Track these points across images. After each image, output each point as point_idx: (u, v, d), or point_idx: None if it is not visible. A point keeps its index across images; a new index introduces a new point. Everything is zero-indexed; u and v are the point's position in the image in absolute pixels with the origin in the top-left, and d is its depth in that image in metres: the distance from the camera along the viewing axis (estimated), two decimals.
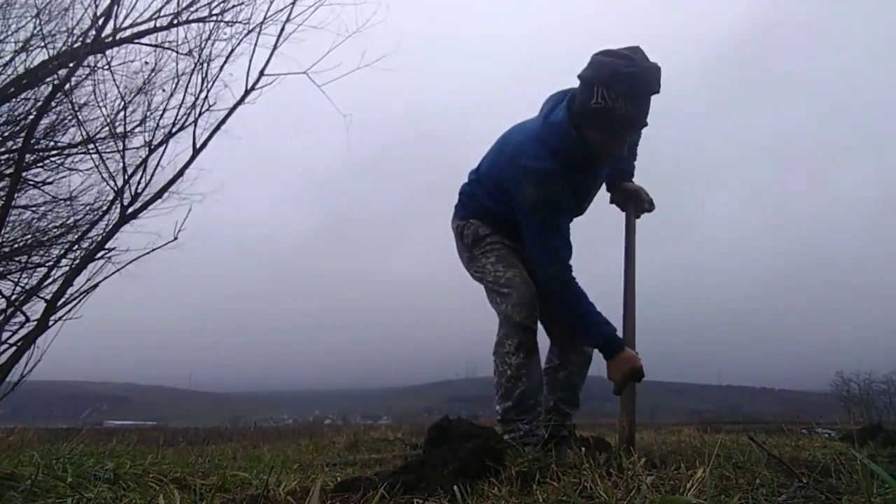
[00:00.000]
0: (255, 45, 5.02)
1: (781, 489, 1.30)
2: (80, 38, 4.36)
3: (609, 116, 1.90)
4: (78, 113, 4.64)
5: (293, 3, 5.08)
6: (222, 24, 4.99)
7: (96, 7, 4.30)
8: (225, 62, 4.95)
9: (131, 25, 4.72)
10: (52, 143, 4.94)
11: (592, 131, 1.99)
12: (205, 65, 4.88)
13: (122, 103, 4.73)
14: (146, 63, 4.87)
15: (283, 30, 5.11)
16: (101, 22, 4.28)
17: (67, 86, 4.21)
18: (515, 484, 1.48)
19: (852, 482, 1.35)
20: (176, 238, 4.64)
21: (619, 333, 2.08)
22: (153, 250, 4.63)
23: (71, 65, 4.08)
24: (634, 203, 2.45)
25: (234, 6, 5.02)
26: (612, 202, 2.52)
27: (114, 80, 4.63)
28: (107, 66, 4.53)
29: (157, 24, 4.88)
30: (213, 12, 4.97)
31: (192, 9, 4.92)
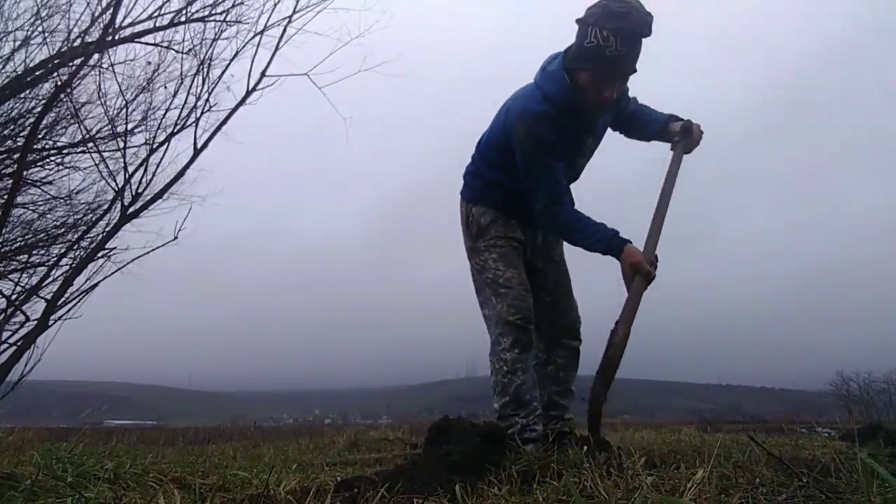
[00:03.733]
0: (259, 45, 5.05)
1: (781, 489, 1.30)
2: (80, 37, 4.35)
3: (599, 56, 1.91)
4: (78, 111, 4.63)
5: (296, 3, 5.10)
6: (223, 23, 5.00)
7: (96, 5, 4.30)
8: (230, 64, 4.98)
9: (131, 24, 4.72)
10: (51, 143, 4.93)
11: (583, 73, 2.01)
12: (206, 65, 4.88)
13: (124, 102, 4.74)
14: (148, 63, 4.88)
15: (284, 31, 5.14)
16: (106, 19, 4.27)
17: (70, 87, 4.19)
18: (515, 483, 1.48)
19: (852, 482, 1.35)
20: (176, 238, 4.65)
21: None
22: (153, 250, 4.65)
23: (75, 63, 4.07)
24: (687, 140, 2.35)
25: (234, 5, 5.03)
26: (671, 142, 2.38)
27: (116, 79, 4.63)
28: (109, 66, 4.53)
29: (157, 24, 4.88)
30: (214, 11, 4.98)
31: (191, 7, 4.92)
